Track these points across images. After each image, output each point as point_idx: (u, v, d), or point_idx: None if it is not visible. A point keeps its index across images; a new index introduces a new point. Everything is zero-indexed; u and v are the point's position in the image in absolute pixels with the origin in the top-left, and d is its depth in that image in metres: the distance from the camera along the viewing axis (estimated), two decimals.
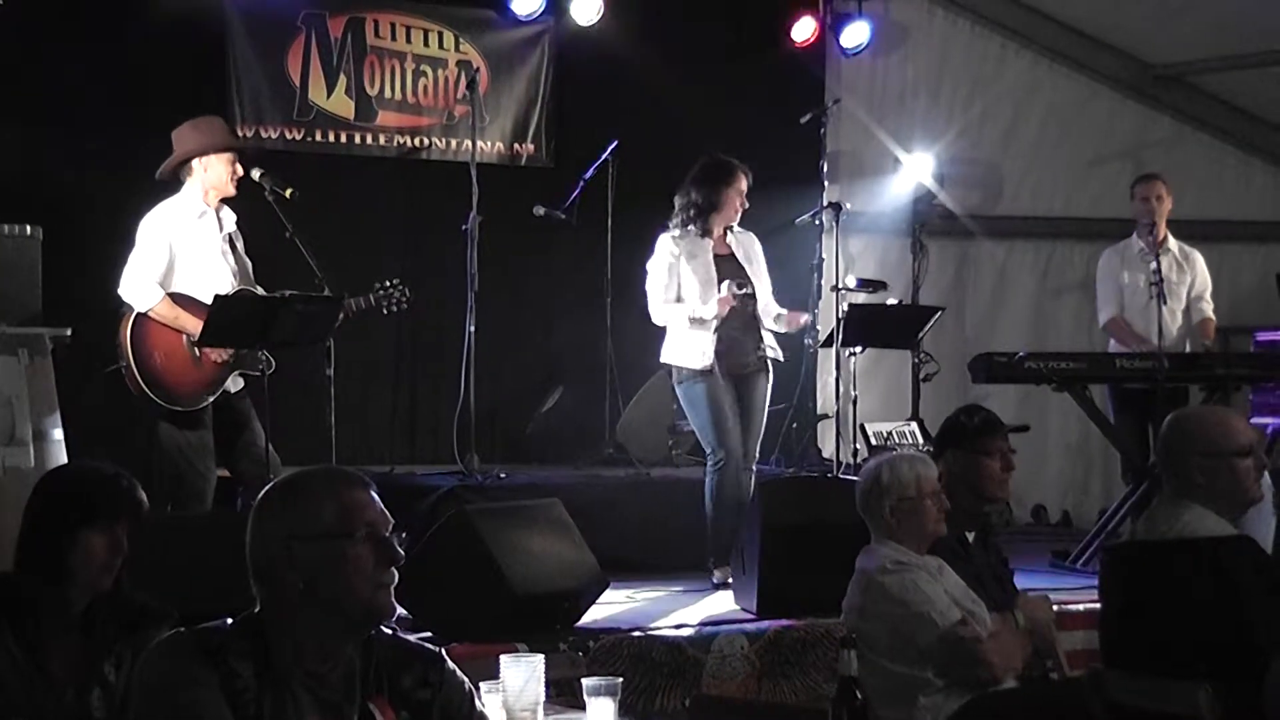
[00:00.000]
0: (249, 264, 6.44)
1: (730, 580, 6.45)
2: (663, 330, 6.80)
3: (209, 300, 6.05)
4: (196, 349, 6.14)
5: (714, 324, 6.60)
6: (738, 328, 6.70)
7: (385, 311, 6.74)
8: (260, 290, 6.35)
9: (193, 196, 6.29)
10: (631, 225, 8.06)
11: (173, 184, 6.34)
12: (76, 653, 3.22)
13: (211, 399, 6.21)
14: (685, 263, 6.68)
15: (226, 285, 6.24)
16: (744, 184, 6.75)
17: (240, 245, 6.42)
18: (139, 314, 6.16)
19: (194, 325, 6.10)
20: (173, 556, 4.68)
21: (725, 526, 6.59)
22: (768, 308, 6.82)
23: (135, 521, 3.28)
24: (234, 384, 6.31)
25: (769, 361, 6.79)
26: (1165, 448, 3.94)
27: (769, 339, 6.79)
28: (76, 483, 3.36)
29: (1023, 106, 10.19)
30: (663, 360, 6.83)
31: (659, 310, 6.74)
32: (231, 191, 6.33)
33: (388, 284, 6.70)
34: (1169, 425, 3.96)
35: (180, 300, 6.19)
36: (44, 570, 3.23)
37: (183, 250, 6.22)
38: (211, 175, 6.28)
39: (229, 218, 6.39)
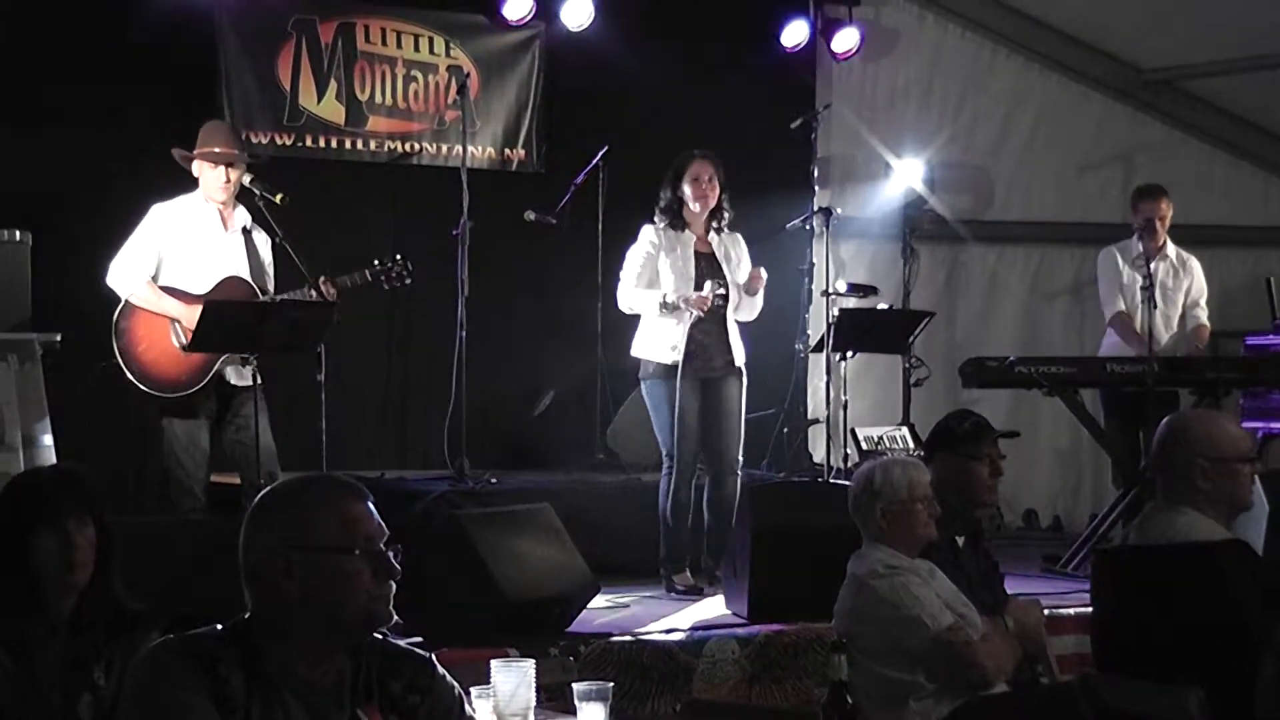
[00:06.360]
0: (265, 264, 6.43)
1: (693, 585, 6.52)
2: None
3: (198, 291, 6.13)
4: (181, 335, 6.15)
5: (687, 319, 6.56)
6: (707, 332, 6.67)
7: (387, 286, 6.72)
8: (270, 289, 6.36)
9: (198, 193, 6.37)
10: (622, 230, 8.00)
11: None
12: (64, 657, 3.21)
13: (200, 385, 6.18)
14: (664, 255, 6.67)
15: (224, 274, 6.25)
16: (700, 169, 6.68)
17: (257, 241, 6.41)
18: (124, 305, 6.18)
19: (176, 309, 6.15)
20: (164, 560, 4.67)
21: (679, 531, 6.64)
22: (738, 304, 6.75)
23: (88, 513, 3.26)
24: (237, 377, 6.27)
25: (738, 368, 6.77)
26: (1164, 451, 3.91)
27: (737, 347, 6.74)
28: (23, 487, 3.36)
29: (1013, 111, 10.19)
30: (633, 353, 6.81)
31: (626, 293, 6.73)
32: (220, 198, 6.33)
33: (387, 261, 6.67)
34: (1168, 429, 3.94)
35: (165, 290, 6.22)
36: (13, 576, 3.22)
37: (177, 247, 6.24)
38: (203, 179, 6.33)
39: (241, 216, 6.41)
